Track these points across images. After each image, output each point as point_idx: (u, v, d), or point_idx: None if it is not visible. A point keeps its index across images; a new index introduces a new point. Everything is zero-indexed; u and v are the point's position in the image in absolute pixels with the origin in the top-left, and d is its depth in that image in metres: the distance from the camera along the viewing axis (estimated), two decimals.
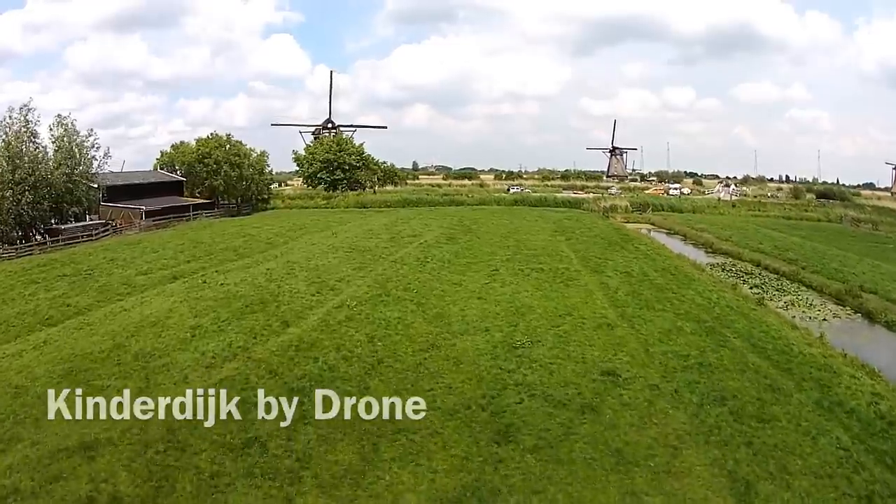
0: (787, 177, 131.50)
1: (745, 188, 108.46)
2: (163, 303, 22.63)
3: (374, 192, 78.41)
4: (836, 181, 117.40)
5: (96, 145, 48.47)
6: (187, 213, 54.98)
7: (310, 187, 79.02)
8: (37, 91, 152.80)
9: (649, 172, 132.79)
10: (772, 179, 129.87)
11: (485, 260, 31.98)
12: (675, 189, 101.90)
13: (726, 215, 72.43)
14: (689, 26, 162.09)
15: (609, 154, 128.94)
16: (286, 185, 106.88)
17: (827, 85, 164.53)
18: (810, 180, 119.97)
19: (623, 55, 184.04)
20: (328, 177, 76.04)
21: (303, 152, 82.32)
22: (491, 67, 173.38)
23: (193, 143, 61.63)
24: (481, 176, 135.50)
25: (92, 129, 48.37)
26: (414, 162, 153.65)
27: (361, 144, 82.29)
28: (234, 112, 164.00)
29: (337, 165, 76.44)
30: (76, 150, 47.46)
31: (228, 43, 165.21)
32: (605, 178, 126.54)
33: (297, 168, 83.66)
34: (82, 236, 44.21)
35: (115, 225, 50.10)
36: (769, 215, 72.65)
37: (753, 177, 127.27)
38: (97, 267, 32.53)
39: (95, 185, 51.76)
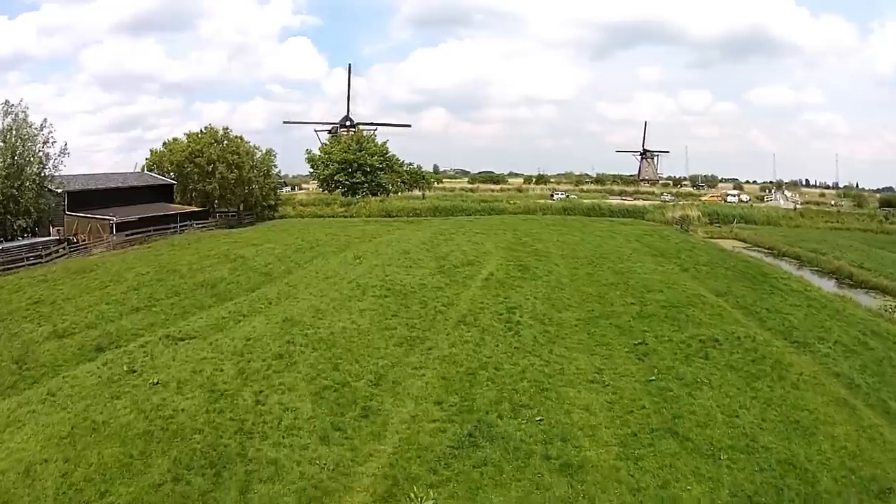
0: (806, 181, 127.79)
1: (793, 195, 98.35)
2: (32, 435, 11.14)
3: (423, 196, 67.31)
4: (855, 185, 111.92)
5: (51, 140, 37.55)
6: (173, 225, 43.75)
7: (326, 192, 67.66)
8: (52, 93, 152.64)
9: (670, 177, 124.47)
10: (798, 183, 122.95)
11: (604, 314, 20.17)
12: (733, 196, 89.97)
13: (804, 227, 60.09)
14: (704, 30, 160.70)
15: (640, 157, 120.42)
16: (300, 189, 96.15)
17: (841, 88, 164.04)
18: (830, 184, 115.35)
19: (639, 59, 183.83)
20: (347, 180, 64.56)
21: (317, 152, 70.86)
22: (507, 71, 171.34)
23: (184, 138, 50.43)
24: (509, 180, 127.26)
25: (46, 120, 37.43)
26: (435, 165, 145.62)
27: (385, 143, 70.76)
28: (250, 115, 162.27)
29: (357, 167, 64.94)
30: (25, 146, 36.57)
31: (245, 46, 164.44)
32: (641, 182, 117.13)
33: (311, 170, 72.13)
34: (28, 258, 33.11)
35: (78, 241, 39.02)
36: (850, 228, 60.35)
37: (786, 181, 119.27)
38: (8, 316, 21.56)
39: (59, 191, 41.06)
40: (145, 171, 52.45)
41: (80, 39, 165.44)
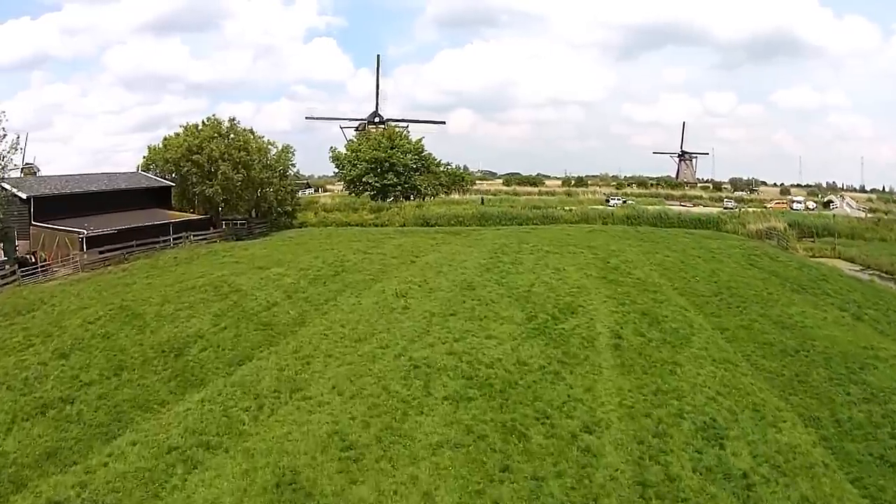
0: (834, 183, 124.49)
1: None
2: None
3: (483, 201, 58.71)
4: (882, 188, 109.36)
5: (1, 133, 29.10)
6: (164, 237, 34.94)
7: (353, 195, 58.67)
8: (75, 94, 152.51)
9: (703, 178, 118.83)
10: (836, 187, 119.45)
11: (841, 427, 11.11)
12: (798, 203, 79.10)
13: (890, 241, 48.76)
14: (729, 31, 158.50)
15: (678, 159, 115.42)
16: (325, 191, 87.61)
17: (865, 90, 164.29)
18: (857, 187, 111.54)
19: (665, 60, 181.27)
20: (377, 181, 55.42)
21: (343, 150, 61.79)
22: (533, 72, 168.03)
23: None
24: (546, 181, 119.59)
25: None
26: (464, 166, 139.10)
27: (420, 140, 61.49)
28: (276, 115, 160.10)
29: (389, 167, 55.75)
30: None
31: (270, 47, 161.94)
32: (687, 186, 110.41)
33: (336, 170, 63.07)
34: None
35: (37, 260, 30.45)
36: None
37: (825, 184, 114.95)
38: None
39: (24, 196, 32.82)
40: (139, 171, 43.90)
41: (104, 40, 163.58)
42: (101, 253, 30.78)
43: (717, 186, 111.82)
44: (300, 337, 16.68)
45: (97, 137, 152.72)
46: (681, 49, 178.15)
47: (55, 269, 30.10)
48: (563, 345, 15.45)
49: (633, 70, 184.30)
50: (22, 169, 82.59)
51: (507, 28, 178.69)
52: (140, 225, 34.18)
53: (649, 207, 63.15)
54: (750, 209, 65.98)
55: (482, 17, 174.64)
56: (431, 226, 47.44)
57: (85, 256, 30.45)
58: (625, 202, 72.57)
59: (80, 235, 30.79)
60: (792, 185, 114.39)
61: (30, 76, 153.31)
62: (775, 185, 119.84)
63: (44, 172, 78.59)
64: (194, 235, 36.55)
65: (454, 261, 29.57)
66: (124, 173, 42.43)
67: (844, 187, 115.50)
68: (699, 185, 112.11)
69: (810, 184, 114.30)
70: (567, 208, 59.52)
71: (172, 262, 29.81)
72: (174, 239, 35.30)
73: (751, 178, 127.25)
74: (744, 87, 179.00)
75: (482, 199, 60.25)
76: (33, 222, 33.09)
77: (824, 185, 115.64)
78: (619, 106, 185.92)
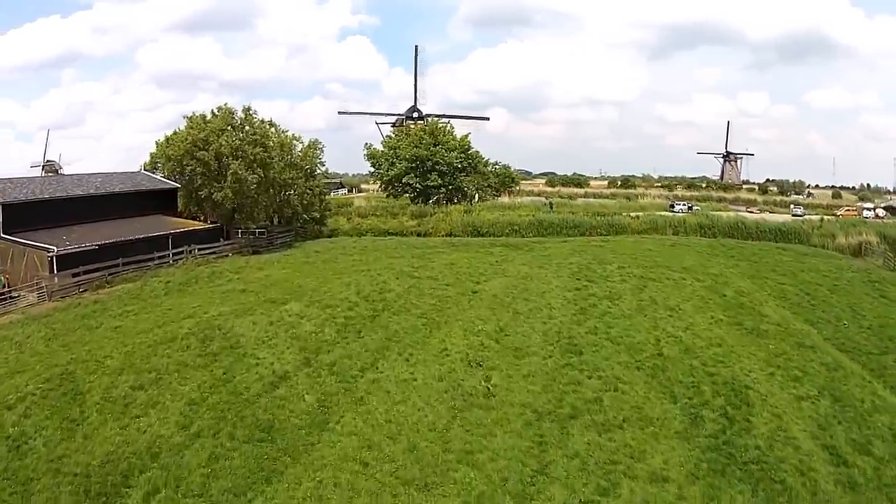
0: (867, 185, 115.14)
1: None
2: None
3: (551, 207, 51.71)
4: None
5: None
6: (161, 252, 28.24)
7: (391, 196, 51.39)
8: (108, 91, 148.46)
9: (746, 180, 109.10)
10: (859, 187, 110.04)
11: None
12: (868, 210, 68.67)
13: None
14: (761, 31, 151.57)
15: (723, 159, 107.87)
16: (359, 191, 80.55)
17: None
18: (891, 189, 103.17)
19: (698, 60, 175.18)
20: (419, 182, 48.08)
21: (380, 146, 54.52)
22: (567, 72, 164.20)
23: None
24: (591, 182, 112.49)
25: None
26: (505, 166, 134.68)
27: (466, 136, 53.80)
28: (309, 114, 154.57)
29: (431, 166, 48.33)
30: None
31: (303, 45, 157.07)
32: (740, 187, 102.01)
33: (372, 169, 55.76)
34: None
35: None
36: None
37: (872, 186, 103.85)
38: None
39: None
40: (142, 171, 37.41)
41: (135, 38, 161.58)
42: (74, 276, 24.15)
43: (764, 189, 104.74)
44: (318, 468, 9.41)
45: (130, 135, 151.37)
46: (713, 49, 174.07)
47: (19, 297, 23.69)
48: (779, 494, 7.82)
49: (666, 70, 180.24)
50: (43, 166, 78.11)
51: (541, 28, 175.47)
52: (129, 238, 27.46)
53: (722, 215, 54.10)
54: (820, 216, 57.17)
55: (516, 17, 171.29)
56: (483, 235, 39.89)
57: (55, 280, 23.88)
58: (691, 208, 63.79)
59: (49, 253, 24.21)
60: (835, 187, 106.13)
61: (61, 74, 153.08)
62: (808, 186, 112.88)
63: (71, 170, 73.86)
64: (199, 249, 29.79)
65: (529, 290, 22.06)
66: (122, 173, 35.88)
67: (879, 189, 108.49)
68: (744, 186, 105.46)
69: (846, 185, 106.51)
70: (633, 215, 51.17)
71: (161, 290, 23.01)
72: (174, 254, 28.60)
73: (796, 179, 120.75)
74: (776, 87, 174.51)
75: (550, 205, 52.28)
76: (3, 235, 26.80)
77: (869, 187, 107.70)
78: (653, 106, 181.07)
